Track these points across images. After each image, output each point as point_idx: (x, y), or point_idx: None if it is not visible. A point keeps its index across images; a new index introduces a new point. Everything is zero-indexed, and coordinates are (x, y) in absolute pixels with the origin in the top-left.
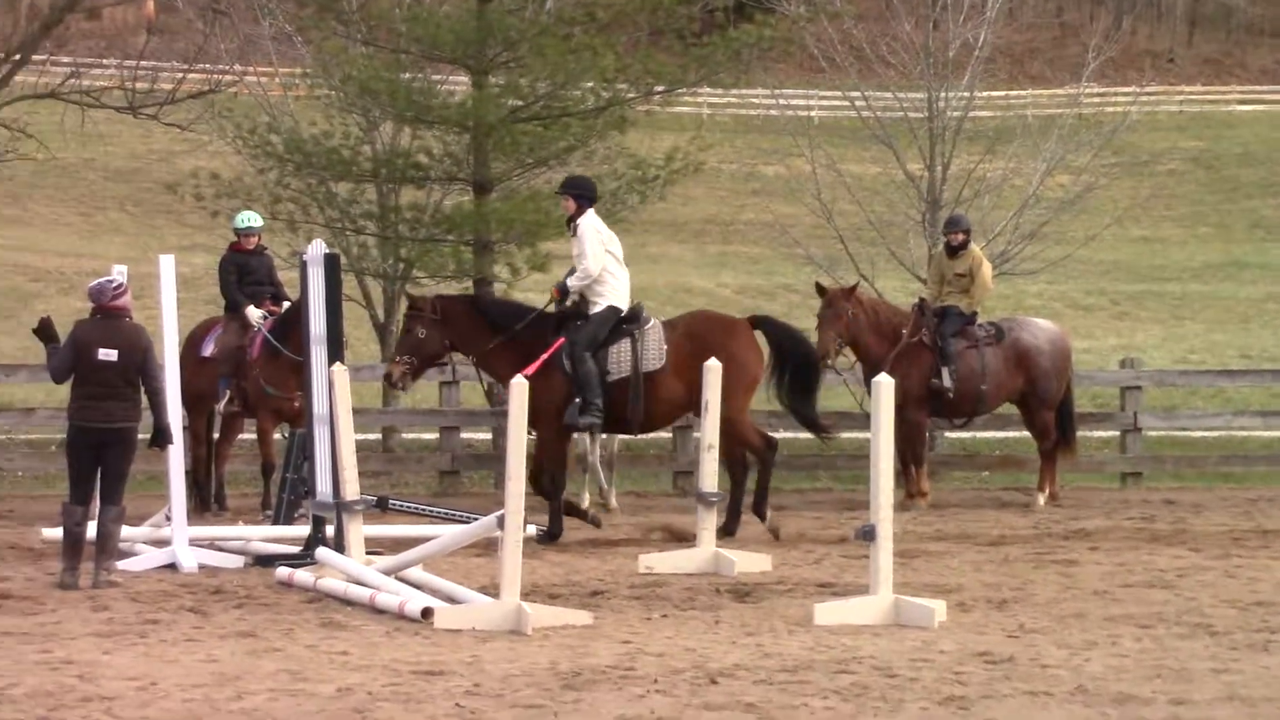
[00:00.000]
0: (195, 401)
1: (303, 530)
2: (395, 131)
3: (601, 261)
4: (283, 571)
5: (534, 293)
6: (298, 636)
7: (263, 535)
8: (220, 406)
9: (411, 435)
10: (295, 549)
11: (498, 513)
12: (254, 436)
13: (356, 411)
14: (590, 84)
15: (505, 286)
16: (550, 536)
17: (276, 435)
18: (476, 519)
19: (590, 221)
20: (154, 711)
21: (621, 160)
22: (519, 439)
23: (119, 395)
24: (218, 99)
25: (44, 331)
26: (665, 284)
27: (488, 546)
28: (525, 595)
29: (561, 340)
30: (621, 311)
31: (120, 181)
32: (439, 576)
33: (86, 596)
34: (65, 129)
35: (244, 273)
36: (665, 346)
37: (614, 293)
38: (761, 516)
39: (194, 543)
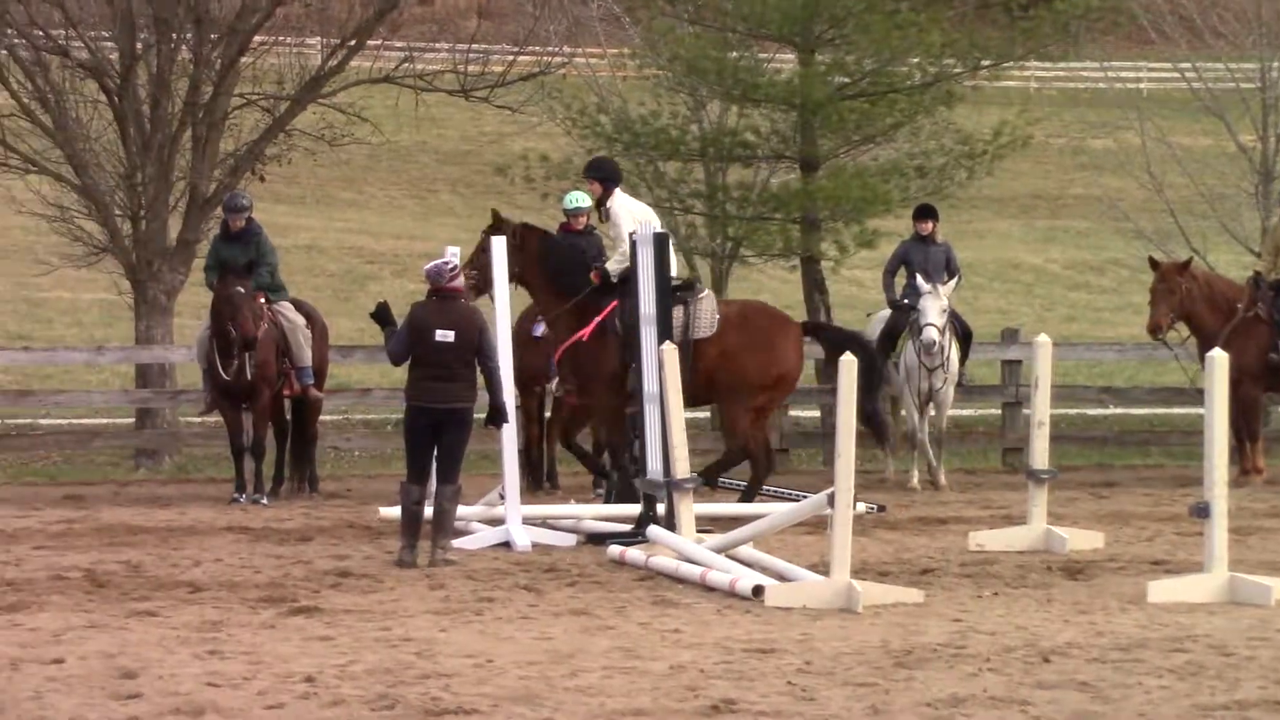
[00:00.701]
0: (527, 381)
1: (634, 508)
2: (722, 110)
3: None
4: (615, 549)
5: (861, 268)
6: (630, 614)
7: (594, 514)
8: (552, 386)
9: None
10: (627, 527)
11: (828, 490)
12: None
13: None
14: (916, 59)
15: (832, 264)
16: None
17: None
18: (806, 497)
19: (620, 202)
20: (490, 688)
21: (948, 136)
22: (848, 416)
23: (455, 376)
24: (547, 81)
25: (381, 315)
26: (992, 260)
27: (817, 524)
28: (855, 573)
29: (615, 303)
30: (673, 278)
31: (452, 164)
32: (769, 554)
33: (424, 575)
34: (399, 113)
35: None
36: (718, 316)
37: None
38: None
39: (527, 521)
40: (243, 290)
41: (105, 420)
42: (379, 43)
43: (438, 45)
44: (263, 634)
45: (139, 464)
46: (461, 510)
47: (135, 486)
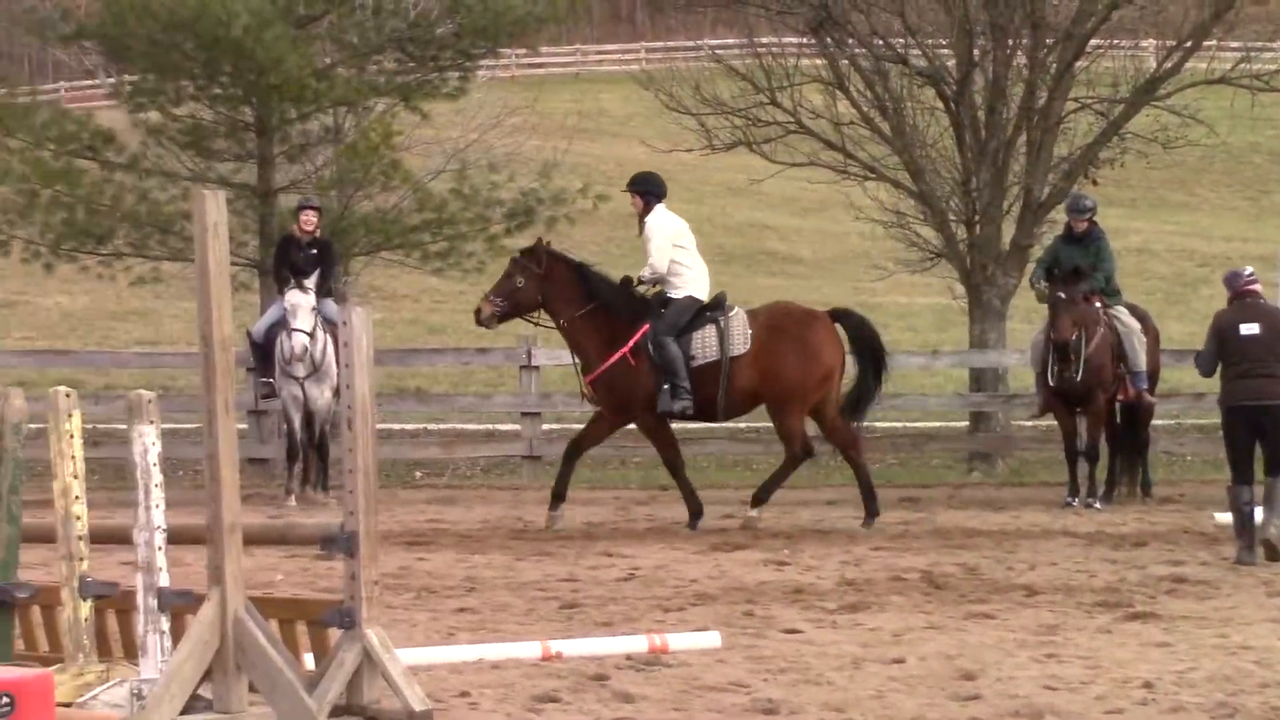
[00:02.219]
0: None
1: None
2: None
3: (668, 256)
4: None
5: None
6: None
7: None
8: None
9: None
10: None
11: None
12: None
13: None
14: None
15: None
16: (693, 516)
17: None
18: None
19: (657, 219)
20: None
21: None
22: None
23: (1267, 371)
24: None
25: None
26: None
27: None
28: None
29: (646, 327)
30: (701, 301)
31: None
32: None
33: (1261, 581)
34: (1233, 113)
35: None
36: (750, 332)
37: (690, 283)
38: (754, 503)
39: None
40: (1064, 295)
41: (939, 424)
42: (1214, 43)
43: (1275, 44)
44: (1099, 639)
45: (972, 467)
46: None
47: (969, 489)
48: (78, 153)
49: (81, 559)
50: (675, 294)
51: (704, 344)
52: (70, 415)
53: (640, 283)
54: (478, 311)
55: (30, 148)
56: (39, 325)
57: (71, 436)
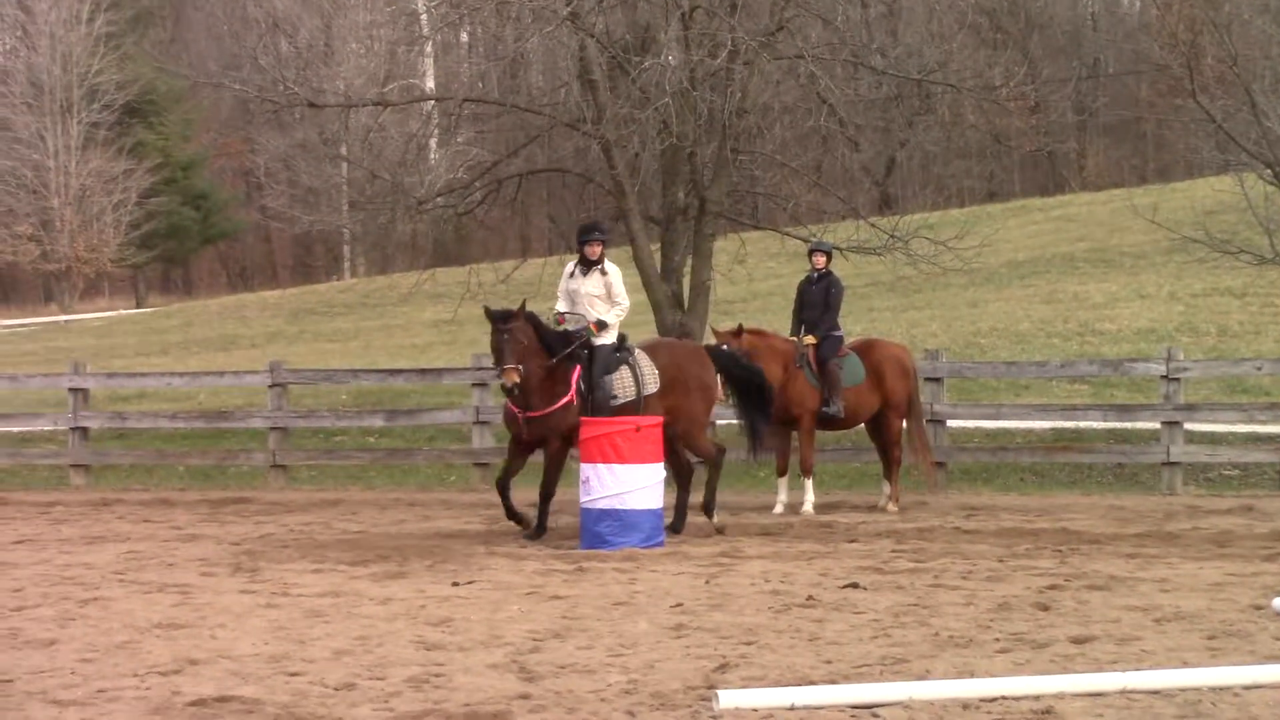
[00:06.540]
0: None
1: None
2: None
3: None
4: None
5: None
6: None
7: None
8: None
9: None
10: None
11: None
12: None
13: None
14: None
15: None
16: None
17: None
18: None
19: (613, 264)
20: None
21: None
22: None
23: None
24: None
25: None
26: None
27: None
28: None
29: (579, 369)
30: (604, 341)
31: None
32: None
33: None
34: None
35: None
36: (656, 371)
37: (613, 331)
38: (708, 514)
39: None
40: None
41: None
42: None
43: None
44: None
45: None
46: None
47: None
48: None
49: None
50: (608, 337)
51: (624, 384)
52: None
53: (604, 326)
54: (509, 388)
55: None
56: None
57: None
